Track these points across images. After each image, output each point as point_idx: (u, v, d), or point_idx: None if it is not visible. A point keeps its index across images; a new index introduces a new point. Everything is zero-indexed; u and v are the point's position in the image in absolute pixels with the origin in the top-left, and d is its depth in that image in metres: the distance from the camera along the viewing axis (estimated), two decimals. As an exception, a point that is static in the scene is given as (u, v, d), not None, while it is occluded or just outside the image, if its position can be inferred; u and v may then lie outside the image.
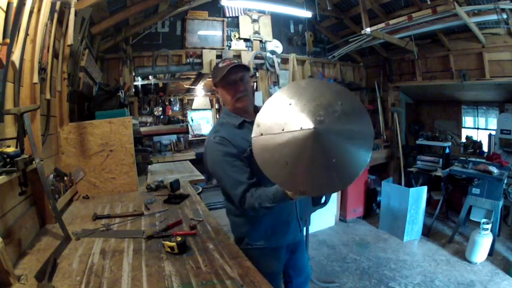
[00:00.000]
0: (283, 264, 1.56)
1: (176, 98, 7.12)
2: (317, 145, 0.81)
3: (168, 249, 1.28)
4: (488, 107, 4.94)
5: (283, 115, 0.90)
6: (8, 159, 1.21)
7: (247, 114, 1.45)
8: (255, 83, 5.15)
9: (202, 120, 7.66)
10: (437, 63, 4.82)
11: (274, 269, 1.50)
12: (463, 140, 5.09)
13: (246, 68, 1.44)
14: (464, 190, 3.86)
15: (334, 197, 4.37)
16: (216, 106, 7.67)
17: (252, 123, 1.39)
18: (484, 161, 3.84)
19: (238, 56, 4.71)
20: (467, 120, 5.23)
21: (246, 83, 1.42)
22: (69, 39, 1.95)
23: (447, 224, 4.24)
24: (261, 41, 4.90)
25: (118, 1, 3.44)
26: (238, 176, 1.29)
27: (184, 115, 7.29)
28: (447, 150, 4.54)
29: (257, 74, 4.97)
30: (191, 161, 4.22)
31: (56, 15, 1.87)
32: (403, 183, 4.64)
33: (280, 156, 0.85)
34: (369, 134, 0.92)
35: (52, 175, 1.86)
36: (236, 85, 1.39)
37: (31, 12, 1.53)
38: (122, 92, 2.84)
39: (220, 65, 1.41)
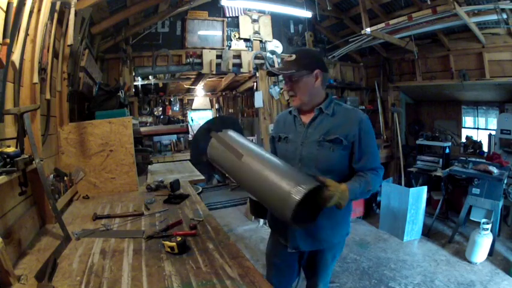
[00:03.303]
0: (286, 259, 1.57)
1: (176, 98, 7.13)
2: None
3: (168, 249, 1.28)
4: (488, 107, 4.92)
5: None
6: (8, 159, 1.21)
7: (304, 108, 1.45)
8: (255, 83, 5.15)
9: (202, 120, 7.67)
10: (437, 63, 4.81)
11: (270, 256, 1.67)
12: (463, 140, 5.08)
13: (288, 68, 1.34)
14: (464, 190, 3.86)
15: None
16: (216, 106, 7.67)
17: (296, 117, 1.50)
18: (484, 161, 3.84)
19: (238, 56, 4.71)
20: (467, 120, 5.22)
21: (295, 83, 1.36)
22: (69, 39, 1.95)
23: (447, 224, 4.24)
24: (261, 41, 4.90)
25: (118, 1, 3.44)
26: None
27: (184, 115, 7.30)
28: (447, 150, 4.53)
29: (257, 74, 4.97)
30: (191, 161, 4.22)
31: (56, 15, 1.87)
32: (403, 183, 4.63)
33: None
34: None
35: (52, 175, 1.86)
36: (286, 84, 1.41)
37: (31, 12, 1.52)
38: (121, 92, 2.84)
39: (285, 59, 1.43)
